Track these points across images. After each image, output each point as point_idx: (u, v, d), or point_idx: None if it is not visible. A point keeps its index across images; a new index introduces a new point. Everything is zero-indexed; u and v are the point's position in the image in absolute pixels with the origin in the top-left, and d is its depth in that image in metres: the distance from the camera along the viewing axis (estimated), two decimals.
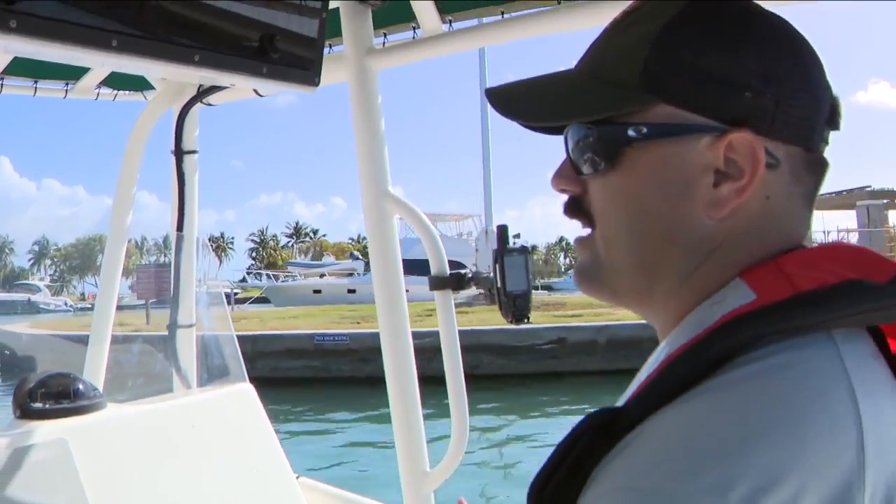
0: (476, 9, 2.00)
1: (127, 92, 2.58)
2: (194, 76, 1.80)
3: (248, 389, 2.15)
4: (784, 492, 0.53)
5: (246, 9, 1.66)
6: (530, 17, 1.87)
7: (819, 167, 0.73)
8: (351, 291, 36.01)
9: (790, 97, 0.69)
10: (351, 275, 41.61)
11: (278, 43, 1.71)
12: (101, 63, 1.62)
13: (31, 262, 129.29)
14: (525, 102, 0.79)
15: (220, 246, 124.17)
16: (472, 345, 14.51)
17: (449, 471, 2.03)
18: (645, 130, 0.69)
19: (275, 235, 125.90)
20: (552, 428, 12.04)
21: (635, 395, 0.64)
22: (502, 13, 1.94)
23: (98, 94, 2.52)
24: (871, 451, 0.57)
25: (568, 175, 0.76)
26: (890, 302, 0.62)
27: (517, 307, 1.78)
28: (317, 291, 37.93)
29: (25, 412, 1.72)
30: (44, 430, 1.68)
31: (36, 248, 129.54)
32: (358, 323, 19.81)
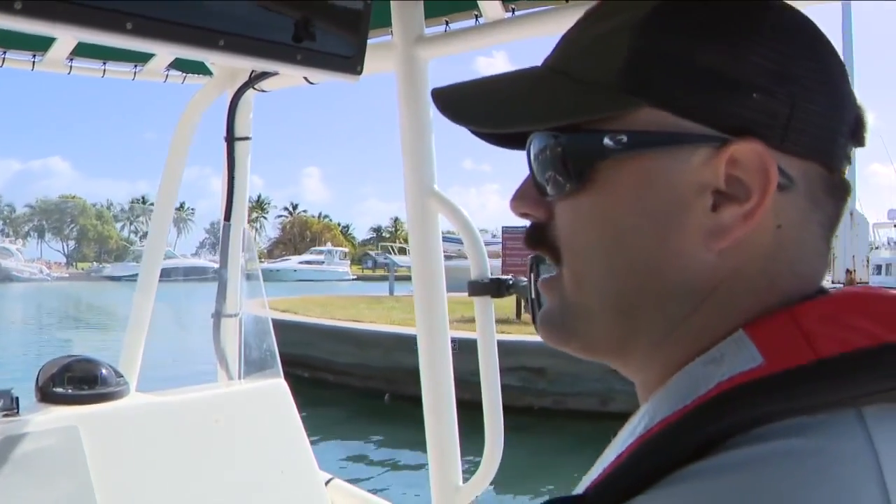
0: None
1: (197, 75, 2.56)
2: (222, 60, 1.74)
3: (280, 385, 2.08)
4: None
5: None
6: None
7: (840, 190, 0.58)
8: None
9: (808, 101, 0.55)
10: None
11: (314, 29, 1.63)
12: (115, 45, 1.58)
13: None
14: (477, 104, 0.64)
15: (180, 217, 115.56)
16: None
17: (482, 486, 1.93)
18: (625, 139, 0.55)
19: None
20: None
21: (599, 480, 0.52)
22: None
23: (167, 77, 2.52)
24: None
25: (530, 196, 0.62)
26: None
27: None
28: None
29: (45, 396, 1.72)
30: (57, 416, 1.66)
31: None
32: None
